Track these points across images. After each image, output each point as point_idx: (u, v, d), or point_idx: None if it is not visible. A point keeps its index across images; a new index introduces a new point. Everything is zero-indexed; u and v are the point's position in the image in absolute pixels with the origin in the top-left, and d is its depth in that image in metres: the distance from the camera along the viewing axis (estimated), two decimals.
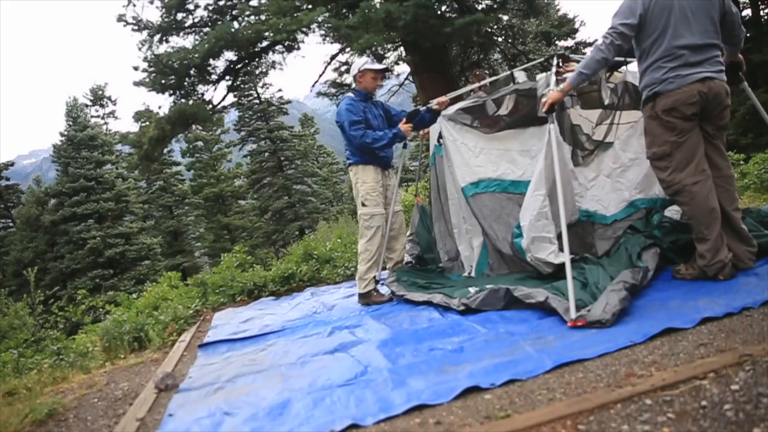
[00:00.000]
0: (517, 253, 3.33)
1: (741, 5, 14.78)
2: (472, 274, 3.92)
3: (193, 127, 14.34)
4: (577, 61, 3.19)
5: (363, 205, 3.96)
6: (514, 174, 3.70)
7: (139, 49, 11.18)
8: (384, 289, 4.16)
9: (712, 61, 2.68)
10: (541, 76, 3.55)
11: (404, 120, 4.03)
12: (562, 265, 2.92)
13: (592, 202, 3.54)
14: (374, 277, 4.03)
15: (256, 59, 12.01)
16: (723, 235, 2.70)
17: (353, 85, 4.15)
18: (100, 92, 30.99)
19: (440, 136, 4.03)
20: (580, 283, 2.79)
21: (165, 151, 16.58)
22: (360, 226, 4.04)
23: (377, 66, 4.09)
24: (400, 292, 3.83)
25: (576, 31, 23.12)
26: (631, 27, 2.70)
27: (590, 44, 20.35)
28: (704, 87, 2.63)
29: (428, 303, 3.49)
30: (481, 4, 10.93)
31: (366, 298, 3.99)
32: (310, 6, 9.36)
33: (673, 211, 3.47)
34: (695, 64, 2.66)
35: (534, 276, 3.25)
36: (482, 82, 4.56)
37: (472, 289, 3.28)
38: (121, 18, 11.05)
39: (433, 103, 4.06)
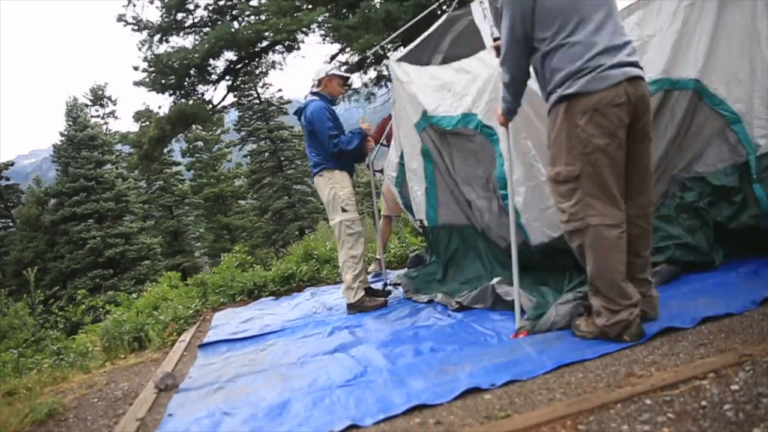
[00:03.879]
0: (503, 214, 3.04)
1: None
2: (425, 223, 3.89)
3: (193, 127, 14.36)
4: None
5: (344, 210, 3.84)
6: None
7: (139, 49, 11.20)
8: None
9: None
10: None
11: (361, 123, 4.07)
12: (558, 239, 2.67)
13: None
14: (362, 282, 3.89)
15: (256, 59, 12.02)
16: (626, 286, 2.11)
17: (313, 89, 4.03)
18: (100, 92, 30.97)
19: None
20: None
21: (165, 151, 16.61)
22: (340, 233, 3.86)
23: (345, 74, 4.01)
24: (408, 293, 3.91)
25: None
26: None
27: None
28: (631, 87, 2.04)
29: (431, 302, 3.55)
30: None
31: (357, 308, 3.82)
32: (310, 6, 9.37)
33: None
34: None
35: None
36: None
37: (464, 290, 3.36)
38: (121, 18, 11.05)
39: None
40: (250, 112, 30.84)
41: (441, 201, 3.71)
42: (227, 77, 11.85)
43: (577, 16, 2.06)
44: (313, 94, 3.99)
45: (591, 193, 2.06)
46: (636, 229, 2.17)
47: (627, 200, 2.15)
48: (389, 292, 4.14)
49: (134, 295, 5.81)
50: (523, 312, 2.62)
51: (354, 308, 3.82)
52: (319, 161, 3.89)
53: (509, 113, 2.44)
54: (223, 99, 12.46)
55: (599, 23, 2.06)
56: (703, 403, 1.49)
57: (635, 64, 2.08)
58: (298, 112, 3.99)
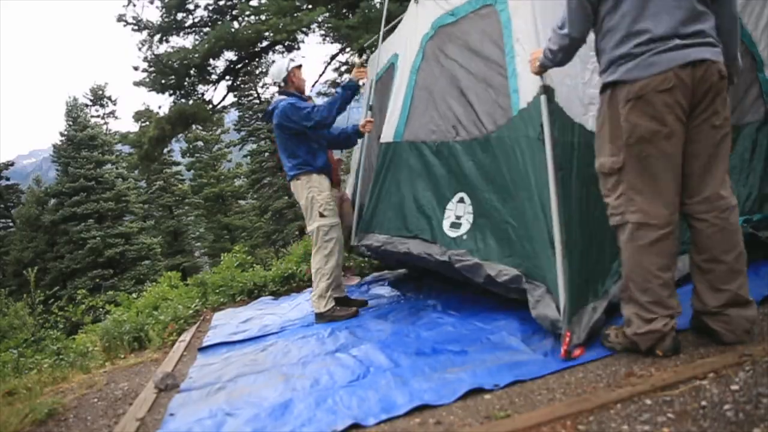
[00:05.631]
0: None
1: None
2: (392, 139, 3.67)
3: (193, 127, 14.36)
4: None
5: (321, 215, 3.65)
6: None
7: (139, 49, 11.19)
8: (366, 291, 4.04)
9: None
10: None
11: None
12: None
13: None
14: (334, 291, 3.73)
15: (256, 59, 12.04)
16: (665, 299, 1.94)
17: (280, 89, 3.84)
18: (100, 92, 30.96)
19: None
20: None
21: (165, 151, 16.58)
22: (317, 239, 3.69)
23: (299, 62, 3.84)
24: (378, 242, 3.62)
25: None
26: None
27: None
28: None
29: (408, 254, 3.30)
30: None
31: (326, 318, 3.62)
32: (310, 6, 9.37)
33: None
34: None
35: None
36: None
37: (457, 236, 2.93)
38: (121, 18, 11.05)
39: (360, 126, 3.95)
40: (250, 112, 30.80)
41: (412, 115, 3.50)
42: (227, 77, 11.86)
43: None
44: (282, 93, 3.81)
45: (634, 188, 1.91)
46: (707, 226, 1.92)
47: (690, 195, 1.95)
48: (365, 302, 3.92)
49: (134, 295, 5.81)
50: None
51: (323, 318, 3.64)
52: (297, 164, 3.71)
53: (545, 68, 2.25)
54: (223, 99, 12.50)
55: (661, 7, 1.85)
56: (703, 403, 1.49)
57: (700, 45, 1.85)
58: (267, 116, 3.78)
